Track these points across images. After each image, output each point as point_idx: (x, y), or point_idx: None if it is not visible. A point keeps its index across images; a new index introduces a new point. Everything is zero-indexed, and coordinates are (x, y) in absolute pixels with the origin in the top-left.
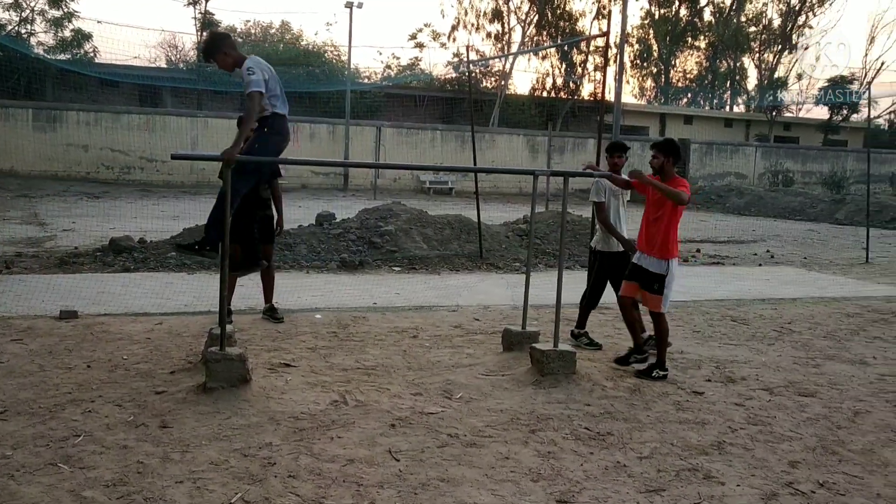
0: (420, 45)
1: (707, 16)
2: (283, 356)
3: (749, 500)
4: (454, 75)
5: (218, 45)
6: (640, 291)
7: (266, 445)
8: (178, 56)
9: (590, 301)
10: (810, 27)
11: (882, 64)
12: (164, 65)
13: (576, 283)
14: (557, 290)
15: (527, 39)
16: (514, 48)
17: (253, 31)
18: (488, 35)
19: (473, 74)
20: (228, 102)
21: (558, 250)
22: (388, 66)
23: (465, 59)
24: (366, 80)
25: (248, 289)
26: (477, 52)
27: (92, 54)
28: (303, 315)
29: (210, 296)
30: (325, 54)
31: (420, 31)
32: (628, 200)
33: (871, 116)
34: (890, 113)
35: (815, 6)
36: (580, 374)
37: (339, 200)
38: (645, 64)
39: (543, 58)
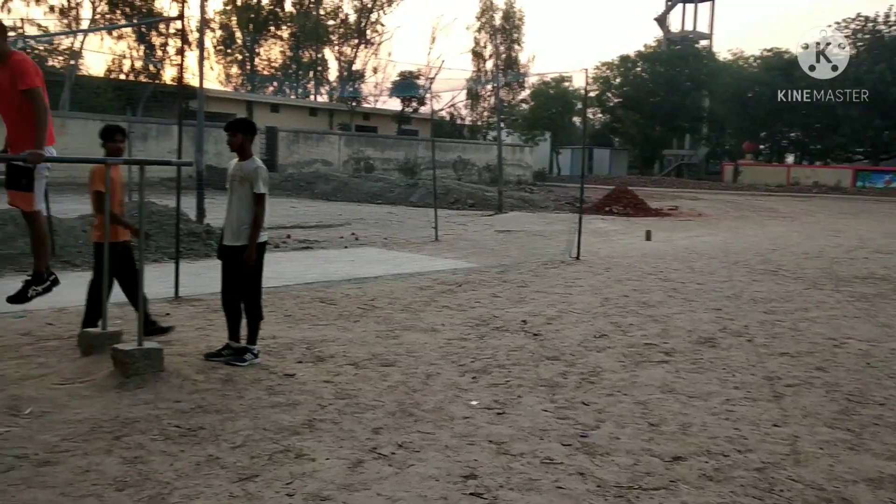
0: None
1: (288, 6)
2: None
3: (338, 471)
4: None
5: None
6: (10, 194)
7: None
8: None
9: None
10: (382, 24)
11: (442, 62)
12: None
13: (164, 275)
14: (139, 283)
15: (98, 17)
16: (84, 25)
17: None
18: (51, 9)
19: (36, 51)
20: None
21: (139, 242)
22: None
23: (23, 34)
24: None
25: None
26: (38, 26)
27: None
28: None
29: None
30: None
31: None
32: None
33: (435, 109)
34: (451, 106)
35: (385, 5)
36: (169, 370)
37: None
38: (230, 50)
39: (119, 38)
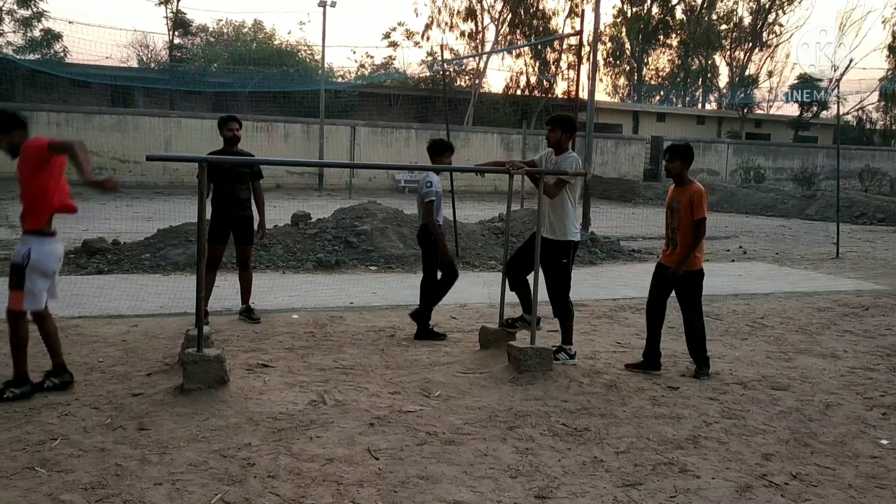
0: (394, 45)
1: (679, 14)
2: (260, 357)
3: (724, 492)
4: (428, 74)
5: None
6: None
7: (245, 446)
8: (149, 56)
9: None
10: (781, 25)
11: (850, 61)
12: (135, 65)
13: None
14: (534, 287)
15: (500, 38)
16: (487, 47)
17: (225, 31)
18: (462, 34)
19: (447, 73)
20: (201, 102)
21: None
22: (362, 66)
23: (440, 58)
24: (340, 80)
25: (224, 290)
26: (451, 50)
27: (62, 54)
28: (280, 315)
29: (186, 297)
30: (299, 53)
31: (394, 30)
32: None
33: (841, 113)
34: (858, 109)
35: (785, 4)
36: (557, 370)
37: (315, 200)
38: (618, 62)
39: (517, 56)
